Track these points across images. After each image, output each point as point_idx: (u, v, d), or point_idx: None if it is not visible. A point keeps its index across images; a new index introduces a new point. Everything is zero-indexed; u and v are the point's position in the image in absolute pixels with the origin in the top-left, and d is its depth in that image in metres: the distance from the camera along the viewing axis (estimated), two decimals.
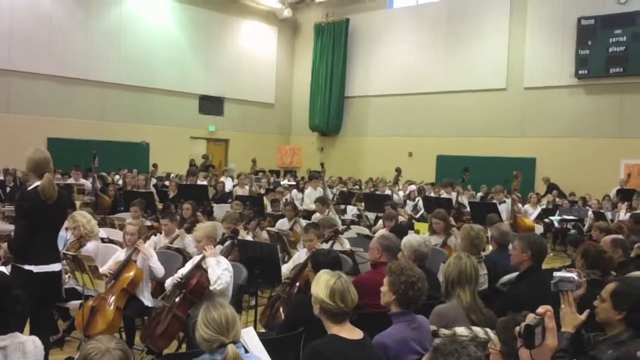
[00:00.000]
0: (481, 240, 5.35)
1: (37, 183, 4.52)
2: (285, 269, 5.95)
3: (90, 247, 5.90)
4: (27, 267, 4.41)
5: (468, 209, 11.38)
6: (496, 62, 20.21)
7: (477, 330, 3.32)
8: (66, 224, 6.38)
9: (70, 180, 12.83)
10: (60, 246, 6.01)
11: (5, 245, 4.51)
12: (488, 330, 3.28)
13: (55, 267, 4.63)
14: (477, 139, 20.33)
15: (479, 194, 15.48)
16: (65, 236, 6.22)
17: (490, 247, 5.85)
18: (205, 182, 14.68)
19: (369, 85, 23.81)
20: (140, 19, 21.07)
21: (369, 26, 23.79)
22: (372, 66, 23.72)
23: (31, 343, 2.65)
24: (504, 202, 11.17)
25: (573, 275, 2.87)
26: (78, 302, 5.58)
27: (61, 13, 19.07)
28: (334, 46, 24.45)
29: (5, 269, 4.52)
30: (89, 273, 4.95)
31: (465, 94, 20.92)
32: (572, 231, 13.54)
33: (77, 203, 10.29)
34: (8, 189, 13.44)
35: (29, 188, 4.60)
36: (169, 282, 5.26)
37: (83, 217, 6.15)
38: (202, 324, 2.83)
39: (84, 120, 19.38)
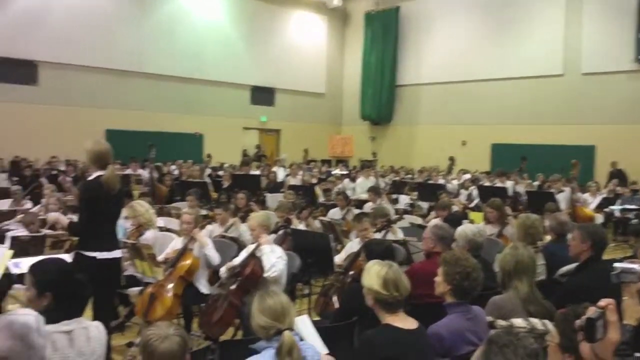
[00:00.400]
0: (537, 230, 5.24)
1: (98, 173, 4.65)
2: (338, 258, 5.97)
3: (148, 235, 6.07)
4: (90, 254, 4.54)
5: (525, 198, 11.14)
6: (552, 47, 19.60)
7: (535, 321, 3.25)
8: (125, 213, 6.58)
9: (128, 171, 13.20)
10: (120, 235, 6.22)
11: None
12: (546, 322, 3.21)
13: (116, 254, 4.77)
14: (532, 126, 19.82)
15: (536, 183, 15.13)
16: (124, 225, 6.42)
17: (548, 237, 5.71)
18: (258, 172, 14.86)
19: (420, 74, 23.52)
20: (192, 12, 21.41)
21: (420, 13, 23.46)
22: (423, 54, 23.41)
23: (95, 328, 2.75)
24: (562, 191, 10.90)
25: (636, 266, 2.78)
26: (138, 288, 5.75)
27: (117, 9, 19.56)
28: (385, 35, 24.24)
29: (69, 257, 4.71)
30: (147, 261, 5.10)
31: (519, 80, 20.40)
32: (634, 221, 13.07)
33: (135, 193, 10.58)
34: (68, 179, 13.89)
35: (90, 178, 4.74)
36: (223, 270, 5.36)
37: (142, 206, 6.32)
38: (258, 311, 2.86)
39: (140, 112, 19.86)
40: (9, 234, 6.08)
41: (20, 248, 5.40)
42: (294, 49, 24.20)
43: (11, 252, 4.49)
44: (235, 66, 22.29)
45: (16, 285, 5.78)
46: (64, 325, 2.59)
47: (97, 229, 4.63)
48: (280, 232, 6.19)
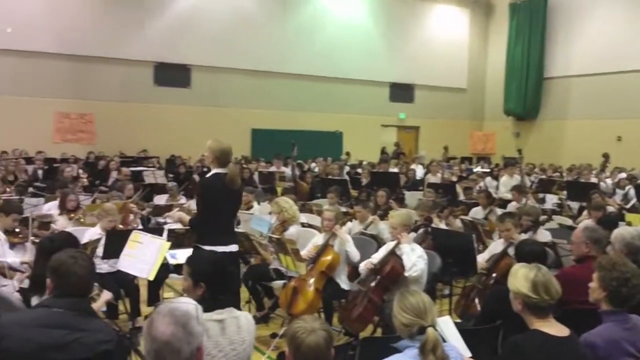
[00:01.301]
0: None
1: (218, 170, 4.83)
2: (481, 258, 5.78)
3: (292, 231, 6.27)
4: (208, 247, 4.69)
5: None
6: None
7: None
8: (271, 208, 6.86)
9: (272, 168, 13.71)
10: (265, 230, 6.50)
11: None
12: None
13: (233, 247, 4.96)
14: None
15: None
16: (270, 220, 6.69)
17: None
18: (396, 170, 14.80)
19: (570, 65, 22.12)
20: (332, 11, 21.82)
21: (571, 1, 22.06)
22: (574, 44, 21.99)
23: (244, 318, 2.89)
24: None
25: None
26: (281, 282, 5.97)
27: (260, 12, 20.46)
28: (531, 25, 23.08)
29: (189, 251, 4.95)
30: (291, 255, 5.27)
31: None
32: None
33: (278, 190, 10.98)
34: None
35: (209, 175, 4.94)
36: (362, 267, 5.40)
37: (286, 202, 6.54)
38: (400, 309, 2.84)
39: (283, 111, 20.58)
40: (166, 227, 6.56)
41: (176, 240, 5.79)
42: (434, 44, 23.80)
43: (169, 243, 4.82)
44: (374, 63, 22.36)
45: (172, 275, 6.25)
46: (217, 314, 2.75)
47: (214, 224, 4.81)
48: (421, 230, 6.12)
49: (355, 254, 5.71)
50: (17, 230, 5.76)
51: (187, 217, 5.30)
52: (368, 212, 7.23)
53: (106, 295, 4.23)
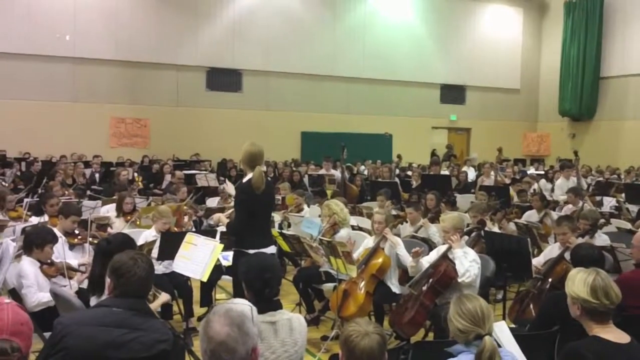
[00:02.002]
0: None
1: (251, 175, 4.91)
2: (536, 262, 5.65)
3: (343, 233, 6.28)
4: (248, 250, 4.72)
5: None
6: None
7: None
8: (321, 211, 6.88)
9: (322, 171, 13.74)
10: (315, 232, 6.52)
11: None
12: None
13: (272, 249, 5.02)
14: None
15: None
16: (320, 223, 6.71)
17: None
18: (447, 172, 14.62)
19: (628, 64, 21.37)
20: (382, 14, 21.76)
21: None
22: (631, 43, 21.23)
23: (297, 320, 2.91)
24: None
25: None
26: (332, 284, 5.97)
27: (310, 16, 20.60)
28: (587, 24, 22.43)
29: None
30: (342, 258, 5.27)
31: None
32: None
33: (328, 192, 11.00)
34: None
35: (244, 180, 5.01)
36: (408, 262, 5.37)
37: (337, 205, 6.56)
38: (457, 314, 2.80)
39: (332, 114, 20.63)
40: (219, 229, 6.67)
41: (229, 242, 5.86)
42: (486, 44, 23.42)
43: (222, 245, 4.89)
44: (425, 65, 22.18)
45: (224, 277, 6.34)
46: (269, 316, 2.78)
47: (252, 227, 4.88)
48: (473, 234, 6.02)
49: (406, 257, 5.66)
50: (76, 231, 5.96)
51: (225, 219, 5.38)
52: (419, 215, 7.16)
53: (164, 297, 4.33)
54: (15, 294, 4.78)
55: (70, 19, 17.33)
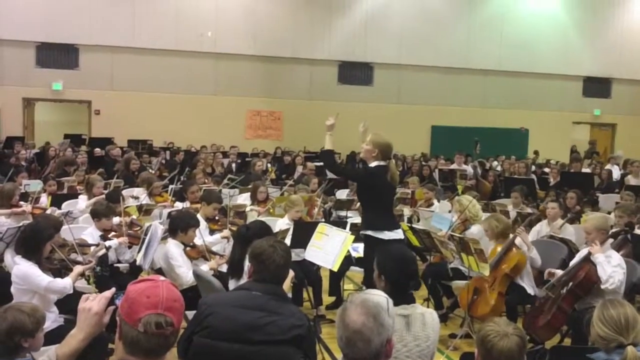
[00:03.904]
0: None
1: (378, 163, 5.09)
2: None
3: (474, 230, 6.12)
4: (383, 232, 4.98)
5: None
6: None
7: None
8: (452, 206, 6.75)
9: (453, 166, 13.45)
10: (445, 228, 6.41)
11: None
12: None
13: (400, 233, 5.17)
14: None
15: None
16: (450, 218, 6.59)
17: None
18: (589, 170, 13.75)
19: None
20: (520, 2, 20.86)
21: None
22: None
23: (429, 315, 2.88)
24: None
25: None
26: (462, 282, 5.84)
27: (445, 7, 20.20)
28: None
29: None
30: (474, 255, 5.13)
31: None
32: None
33: (459, 188, 10.75)
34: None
35: (372, 165, 5.16)
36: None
37: (468, 200, 6.40)
38: (599, 320, 2.65)
39: (465, 108, 20.14)
40: (349, 220, 6.75)
41: (359, 233, 5.91)
42: (636, 33, 21.65)
43: (352, 236, 4.95)
44: (567, 56, 20.96)
45: (353, 267, 6.41)
46: (402, 309, 2.77)
47: (379, 211, 5.10)
48: (620, 236, 5.61)
49: (538, 259, 5.49)
50: (216, 218, 6.30)
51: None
52: (560, 212, 6.80)
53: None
54: (161, 274, 5.14)
55: (213, 17, 18.31)
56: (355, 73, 19.78)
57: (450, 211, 7.45)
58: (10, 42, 16.92)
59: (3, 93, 16.95)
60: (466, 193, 8.29)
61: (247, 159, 14.23)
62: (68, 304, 4.18)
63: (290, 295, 5.09)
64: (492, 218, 5.83)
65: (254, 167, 11.52)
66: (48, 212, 6.69)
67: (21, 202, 6.95)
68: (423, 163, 14.79)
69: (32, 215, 6.67)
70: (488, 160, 16.09)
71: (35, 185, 8.04)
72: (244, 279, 3.77)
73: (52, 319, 3.98)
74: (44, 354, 2.09)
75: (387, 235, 4.99)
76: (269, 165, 13.51)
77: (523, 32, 20.59)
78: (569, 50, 21.03)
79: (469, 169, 12.82)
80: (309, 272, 5.90)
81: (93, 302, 2.04)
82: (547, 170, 14.33)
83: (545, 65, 20.67)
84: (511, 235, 5.54)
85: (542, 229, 6.74)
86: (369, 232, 5.08)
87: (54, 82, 17.45)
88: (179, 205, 7.86)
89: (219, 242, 5.82)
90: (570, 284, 4.77)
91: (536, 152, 18.03)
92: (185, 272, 4.90)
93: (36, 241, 4.20)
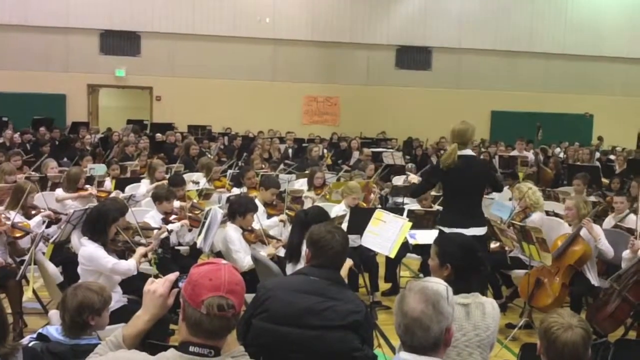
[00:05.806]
0: None
1: (462, 152, 4.92)
2: None
3: (535, 218, 5.96)
4: (445, 229, 4.78)
5: None
6: None
7: None
8: (512, 194, 6.61)
9: (514, 152, 13.14)
10: (506, 216, 6.28)
11: None
12: None
13: (474, 231, 4.85)
14: None
15: None
16: (511, 206, 6.44)
17: None
18: None
19: None
20: None
21: None
22: None
23: (490, 304, 2.82)
24: None
25: None
26: (522, 271, 5.71)
27: None
28: None
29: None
30: (535, 244, 5.01)
31: None
32: None
33: (520, 174, 10.52)
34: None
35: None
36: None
37: (527, 187, 6.24)
38: None
39: (527, 92, 19.60)
40: (407, 207, 6.69)
41: (416, 220, 5.86)
42: None
43: (410, 223, 4.91)
44: (634, 39, 20.11)
45: (409, 254, 6.37)
46: (462, 298, 2.73)
47: (453, 206, 4.98)
48: None
49: (608, 251, 5.30)
50: (274, 203, 6.37)
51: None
52: (628, 206, 6.54)
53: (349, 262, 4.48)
54: (220, 257, 5.24)
55: (271, 3, 18.40)
56: (413, 57, 19.55)
57: (510, 199, 7.28)
58: (76, 29, 17.50)
59: (69, 80, 17.58)
60: (526, 180, 8.11)
61: (303, 145, 14.28)
62: (131, 284, 4.33)
63: (346, 281, 5.15)
64: (581, 198, 5.68)
65: (310, 152, 11.56)
66: (112, 195, 6.90)
67: (87, 186, 7.20)
68: (482, 149, 14.50)
69: (97, 198, 6.91)
70: (550, 147, 15.64)
71: (100, 169, 8.31)
72: (302, 264, 3.80)
73: (116, 299, 4.10)
74: (111, 334, 2.16)
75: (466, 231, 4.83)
76: (325, 150, 13.53)
77: (589, 14, 19.88)
78: (636, 32, 20.11)
79: (530, 155, 12.51)
80: (366, 258, 5.89)
81: (158, 285, 2.10)
82: (612, 157, 13.82)
83: (611, 48, 19.88)
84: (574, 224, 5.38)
85: (608, 219, 6.51)
86: (440, 227, 5.05)
87: (117, 69, 17.97)
88: (235, 190, 7.98)
89: (276, 224, 5.89)
90: (637, 275, 4.60)
91: (600, 138, 17.37)
92: (242, 257, 4.97)
93: (102, 223, 4.33)
